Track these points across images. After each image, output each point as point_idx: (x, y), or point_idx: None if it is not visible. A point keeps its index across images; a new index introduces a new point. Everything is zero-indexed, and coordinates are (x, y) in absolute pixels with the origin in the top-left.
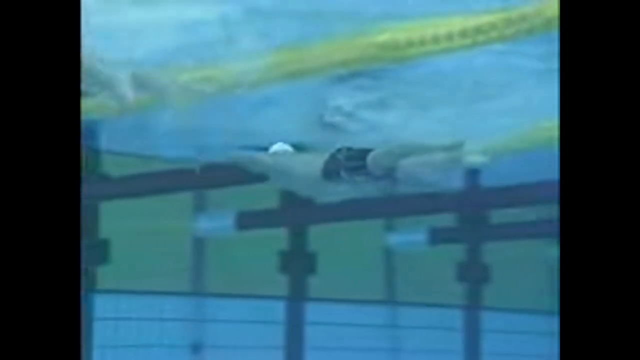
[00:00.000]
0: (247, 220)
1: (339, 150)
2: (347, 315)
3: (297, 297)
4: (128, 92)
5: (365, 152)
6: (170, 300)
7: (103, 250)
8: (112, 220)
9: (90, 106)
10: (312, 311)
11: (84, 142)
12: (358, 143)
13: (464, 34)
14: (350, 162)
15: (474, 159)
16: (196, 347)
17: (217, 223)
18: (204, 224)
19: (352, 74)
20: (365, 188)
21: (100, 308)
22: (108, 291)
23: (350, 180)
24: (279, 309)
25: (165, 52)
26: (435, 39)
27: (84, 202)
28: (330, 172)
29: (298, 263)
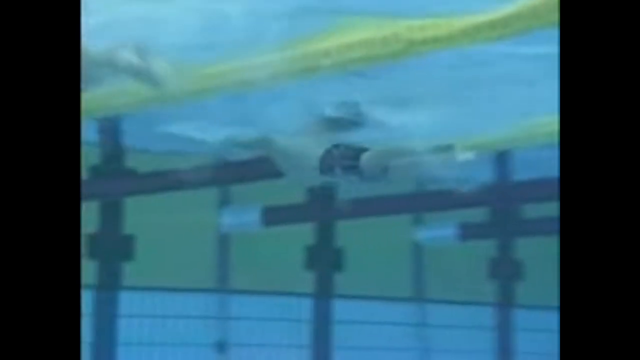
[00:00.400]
0: (272, 216)
1: (336, 146)
2: (374, 312)
3: (323, 294)
4: (157, 73)
5: (361, 151)
6: (195, 297)
7: (128, 247)
8: (136, 217)
9: (123, 94)
10: (339, 308)
11: (109, 138)
12: (364, 140)
13: (492, 26)
14: (345, 160)
15: (466, 156)
16: (221, 345)
17: (242, 219)
18: (229, 220)
19: (366, 70)
20: (360, 186)
21: (124, 305)
22: (133, 288)
23: (343, 178)
24: (305, 306)
25: (182, 46)
26: (465, 33)
27: (110, 198)
28: (325, 167)
29: (324, 259)
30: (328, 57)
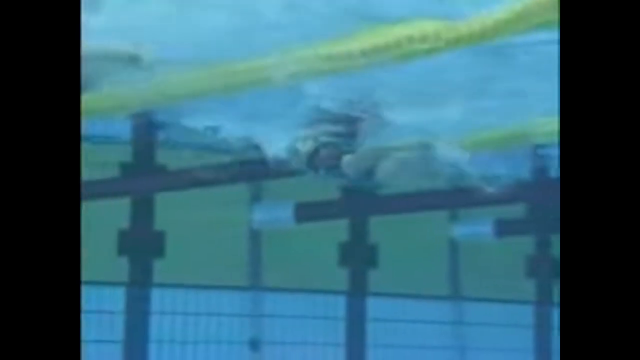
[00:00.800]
0: (305, 212)
1: (324, 144)
2: (410, 310)
3: (357, 292)
4: (147, 59)
5: (346, 152)
6: (226, 294)
7: (159, 244)
8: (168, 213)
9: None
10: (374, 306)
11: (139, 135)
12: (379, 138)
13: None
14: (330, 160)
15: (453, 155)
16: (254, 343)
17: (274, 215)
18: (261, 216)
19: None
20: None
21: (156, 302)
22: (164, 285)
23: (327, 178)
24: (339, 304)
25: (211, 43)
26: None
27: (140, 195)
28: (311, 165)
29: (359, 256)
30: (365, 57)
